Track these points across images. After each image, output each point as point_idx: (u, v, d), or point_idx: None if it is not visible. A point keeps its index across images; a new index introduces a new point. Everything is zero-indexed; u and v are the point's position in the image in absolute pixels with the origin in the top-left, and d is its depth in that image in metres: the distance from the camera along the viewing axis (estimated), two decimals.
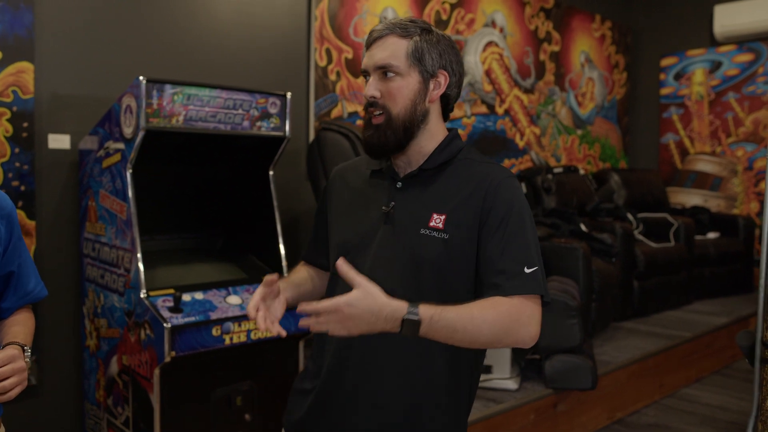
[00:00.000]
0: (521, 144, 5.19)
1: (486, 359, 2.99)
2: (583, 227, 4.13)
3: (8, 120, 2.61)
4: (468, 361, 1.35)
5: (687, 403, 3.78)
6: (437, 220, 1.28)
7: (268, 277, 1.27)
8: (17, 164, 2.64)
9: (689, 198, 6.25)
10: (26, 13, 2.61)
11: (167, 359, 2.23)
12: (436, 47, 1.32)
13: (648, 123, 6.54)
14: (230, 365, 2.49)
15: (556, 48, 5.48)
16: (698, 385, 4.09)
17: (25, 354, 1.30)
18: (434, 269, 1.27)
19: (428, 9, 4.34)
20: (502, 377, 2.94)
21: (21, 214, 2.67)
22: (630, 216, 4.97)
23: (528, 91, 5.23)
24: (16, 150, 2.64)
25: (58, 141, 2.79)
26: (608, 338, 4.00)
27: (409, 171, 1.36)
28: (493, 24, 4.85)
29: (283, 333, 1.21)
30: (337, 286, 1.35)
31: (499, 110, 4.97)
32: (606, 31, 6.07)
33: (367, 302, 1.08)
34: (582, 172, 5.35)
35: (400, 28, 1.30)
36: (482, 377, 2.98)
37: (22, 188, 2.66)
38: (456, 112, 4.60)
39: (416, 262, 1.28)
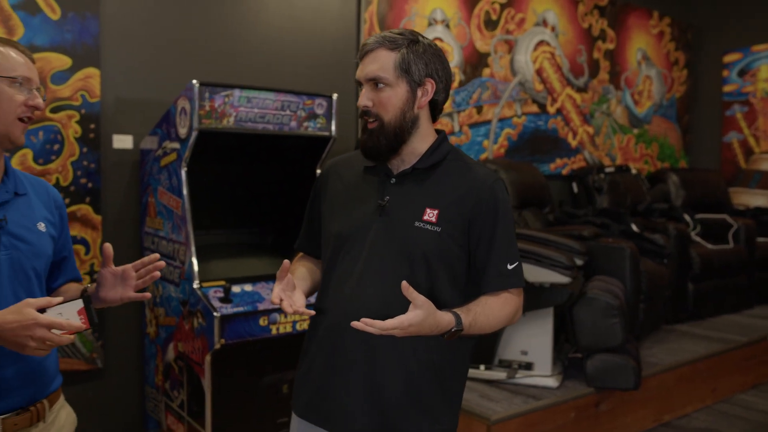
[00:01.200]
0: (574, 143, 5.15)
1: (527, 356, 3.02)
2: (634, 227, 4.08)
3: (77, 122, 2.81)
4: (458, 342, 1.45)
5: (741, 409, 3.68)
6: (430, 215, 1.40)
7: (283, 267, 1.38)
8: (85, 163, 2.85)
9: (753, 199, 6.03)
10: (93, 22, 2.81)
11: (217, 346, 2.37)
12: (422, 57, 1.41)
13: (710, 121, 6.35)
14: (277, 355, 2.61)
15: (610, 46, 5.41)
16: (755, 392, 3.97)
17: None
18: (426, 259, 1.39)
19: (477, 9, 4.37)
20: (542, 374, 2.96)
21: (88, 209, 2.87)
22: (687, 217, 4.85)
23: (581, 90, 5.18)
24: (84, 150, 2.84)
25: (122, 141, 2.98)
26: (658, 340, 3.93)
27: (402, 169, 1.47)
28: (544, 23, 4.84)
29: (312, 312, 1.36)
30: (333, 273, 1.47)
31: (551, 109, 4.94)
32: (665, 27, 5.93)
33: (428, 322, 1.27)
34: (634, 171, 5.25)
35: (389, 41, 1.41)
36: (522, 374, 3.01)
37: (90, 185, 2.87)
38: (506, 112, 4.62)
39: (409, 252, 1.39)
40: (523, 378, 2.98)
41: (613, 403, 3.09)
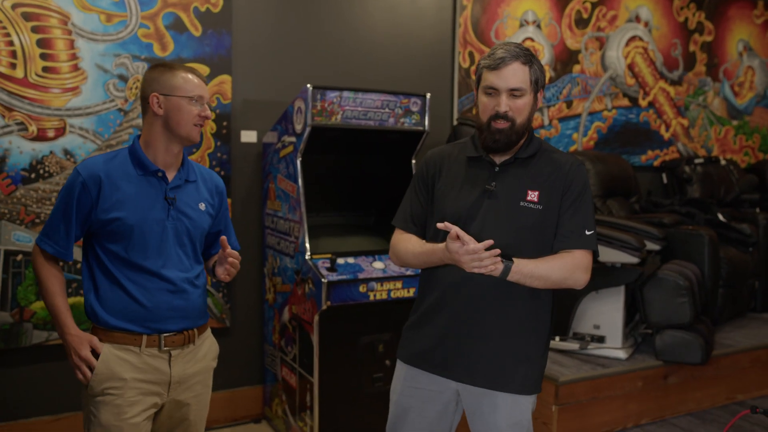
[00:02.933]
0: (667, 135, 5.24)
1: (599, 330, 3.29)
2: (720, 217, 4.18)
3: (213, 120, 3.38)
4: (546, 305, 1.80)
5: None
6: (533, 195, 1.75)
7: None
8: (219, 154, 3.41)
9: None
10: (226, 37, 3.37)
11: (324, 307, 2.82)
12: (542, 72, 1.76)
13: None
14: (374, 318, 3.02)
15: (708, 38, 5.43)
16: None
17: None
18: (532, 233, 1.73)
19: (568, 9, 4.60)
20: (613, 347, 3.22)
21: None
22: None
23: (675, 83, 5.26)
24: (218, 143, 3.40)
25: (248, 136, 3.52)
26: (740, 326, 4.03)
27: (504, 159, 1.80)
28: (637, 19, 4.97)
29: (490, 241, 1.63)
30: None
31: (643, 103, 5.07)
32: None
33: None
34: (723, 162, 5.27)
35: (523, 57, 1.71)
36: (594, 346, 3.29)
37: (222, 173, 3.42)
38: (596, 106, 4.81)
39: (517, 228, 1.73)
40: (594, 349, 3.25)
41: (682, 377, 3.29)
